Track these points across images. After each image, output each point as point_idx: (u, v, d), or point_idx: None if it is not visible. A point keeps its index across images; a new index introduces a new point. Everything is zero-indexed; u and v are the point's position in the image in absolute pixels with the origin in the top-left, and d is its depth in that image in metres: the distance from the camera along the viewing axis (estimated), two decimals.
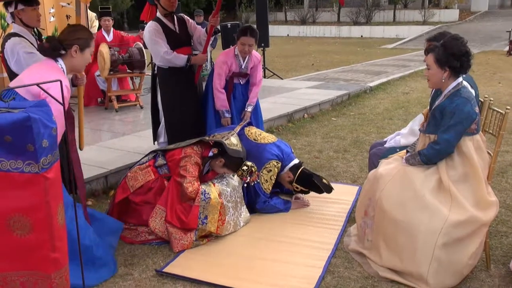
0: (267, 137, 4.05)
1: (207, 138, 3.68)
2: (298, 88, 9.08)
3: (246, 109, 4.59)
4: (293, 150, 4.16)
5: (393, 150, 3.53)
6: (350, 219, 3.80)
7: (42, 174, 2.12)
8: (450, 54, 2.86)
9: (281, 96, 8.34)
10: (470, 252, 2.76)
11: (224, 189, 3.50)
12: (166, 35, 4.42)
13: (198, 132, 4.35)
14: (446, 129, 2.84)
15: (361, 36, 28.79)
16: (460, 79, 2.93)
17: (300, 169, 3.93)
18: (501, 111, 2.96)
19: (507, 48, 19.09)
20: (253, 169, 3.62)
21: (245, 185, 3.69)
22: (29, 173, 2.11)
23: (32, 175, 2.12)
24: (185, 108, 4.60)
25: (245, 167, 3.59)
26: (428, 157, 2.92)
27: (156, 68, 4.62)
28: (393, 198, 2.94)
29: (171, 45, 4.42)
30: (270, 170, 3.83)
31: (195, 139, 3.60)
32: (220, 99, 4.44)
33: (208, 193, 3.35)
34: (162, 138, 4.82)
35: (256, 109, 4.74)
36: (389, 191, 2.97)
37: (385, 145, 3.68)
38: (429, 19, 29.71)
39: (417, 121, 3.74)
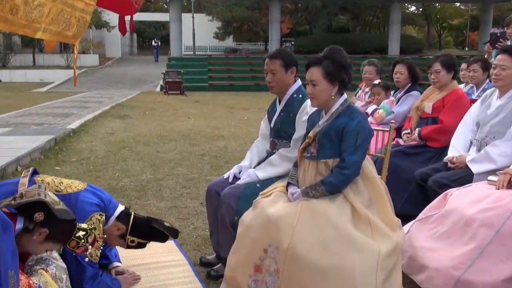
0: (71, 184, 2.77)
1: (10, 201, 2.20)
2: None
3: None
4: None
5: (253, 185, 2.97)
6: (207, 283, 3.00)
7: None
8: (341, 66, 2.57)
9: None
10: (400, 280, 2.50)
11: (59, 275, 2.19)
12: None
13: None
14: (354, 150, 2.52)
15: (0, 80, 25.80)
16: (345, 95, 2.68)
17: (132, 215, 2.85)
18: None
19: (157, 89, 20.69)
20: (94, 231, 2.40)
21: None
22: None
23: None
24: None
25: (81, 233, 2.33)
26: (336, 185, 2.52)
27: None
28: (310, 242, 2.39)
29: None
30: (94, 229, 2.60)
31: None
32: None
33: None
34: None
35: None
36: (302, 235, 2.40)
37: (239, 182, 3.06)
38: (72, 64, 29.18)
39: (256, 150, 3.30)
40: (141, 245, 2.91)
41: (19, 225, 2.14)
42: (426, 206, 3.74)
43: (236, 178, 3.14)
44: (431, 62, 4.04)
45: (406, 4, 37.48)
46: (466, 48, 41.75)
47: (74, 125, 8.77)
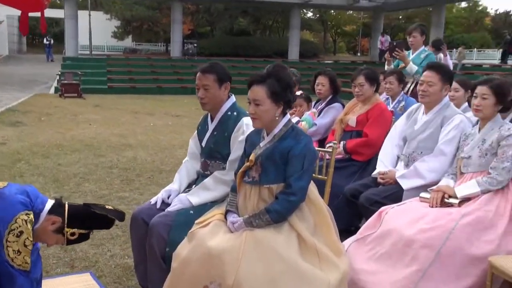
0: None
1: None
2: None
3: None
4: None
5: (185, 212, 2.70)
6: None
7: None
8: (286, 85, 2.41)
9: None
10: None
11: None
12: None
13: None
14: (301, 175, 2.36)
15: None
16: (288, 116, 2.52)
17: (67, 204, 2.39)
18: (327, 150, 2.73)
19: (52, 91, 19.30)
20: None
21: None
22: None
23: None
24: None
25: None
26: (282, 213, 2.35)
27: None
28: (258, 277, 2.19)
29: None
30: (21, 232, 2.15)
31: None
32: None
33: None
34: None
35: None
36: (249, 269, 2.20)
37: (169, 209, 2.77)
38: None
39: (185, 172, 3.04)
40: (83, 237, 2.45)
41: None
42: (353, 220, 3.76)
43: (164, 203, 2.85)
44: (355, 75, 4.05)
45: (304, 10, 38.77)
46: (359, 54, 44.20)
47: None
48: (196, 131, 3.07)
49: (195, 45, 27.55)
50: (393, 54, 5.23)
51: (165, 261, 2.62)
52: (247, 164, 2.47)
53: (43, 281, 3.12)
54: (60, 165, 6.36)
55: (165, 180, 5.70)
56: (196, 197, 2.77)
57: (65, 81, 17.11)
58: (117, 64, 23.73)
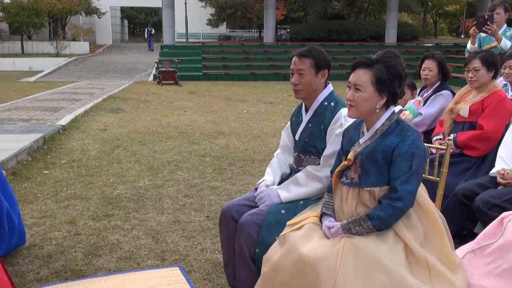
0: None
1: None
2: None
3: None
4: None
5: (277, 211, 2.49)
6: None
7: None
8: (396, 75, 2.10)
9: None
10: None
11: None
12: None
13: None
14: (409, 177, 2.05)
15: None
16: (393, 108, 2.21)
17: None
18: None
19: (151, 78, 20.09)
20: None
21: None
22: None
23: None
24: None
25: None
26: (386, 220, 2.05)
27: None
28: None
29: None
30: None
31: None
32: None
33: None
34: None
35: None
36: (347, 281, 1.94)
37: (261, 207, 2.57)
38: (62, 51, 28.47)
39: (277, 165, 2.82)
40: None
41: None
42: (465, 223, 3.34)
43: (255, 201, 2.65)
44: (469, 59, 3.57)
45: None
46: (462, 36, 41.28)
47: (64, 121, 8.21)
48: (289, 122, 2.84)
49: (288, 30, 27.27)
50: (484, 28, 4.67)
51: (255, 263, 2.44)
52: (344, 163, 2.20)
53: (133, 273, 3.10)
54: (155, 152, 6.47)
55: (257, 170, 5.56)
56: (286, 192, 2.54)
57: (163, 69, 17.71)
58: (212, 51, 24.20)
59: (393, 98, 2.13)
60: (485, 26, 4.65)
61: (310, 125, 2.60)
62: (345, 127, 2.37)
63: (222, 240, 2.76)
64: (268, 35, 27.42)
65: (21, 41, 29.35)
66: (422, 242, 2.10)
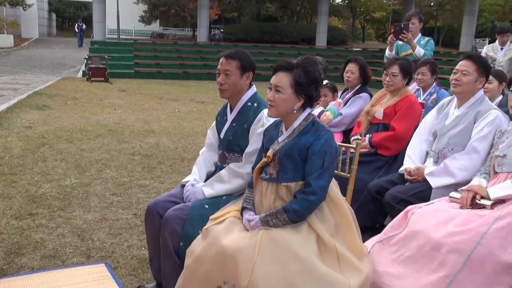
0: None
1: None
2: None
3: None
4: None
5: (200, 206, 2.60)
6: None
7: None
8: (313, 80, 2.27)
9: None
10: None
11: None
12: None
13: None
14: (321, 173, 2.23)
15: None
16: (309, 109, 2.38)
17: None
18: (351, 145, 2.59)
19: (79, 75, 19.48)
20: None
21: None
22: None
23: None
24: None
25: None
26: (301, 213, 2.22)
27: None
28: (274, 278, 2.08)
29: None
30: None
31: None
32: None
33: None
34: None
35: None
36: (264, 270, 2.09)
37: (185, 200, 2.67)
38: None
39: (202, 163, 2.93)
40: None
41: None
42: (379, 218, 3.61)
43: (180, 197, 2.75)
44: (388, 64, 3.86)
45: None
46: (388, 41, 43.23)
47: None
48: (215, 121, 2.96)
49: (222, 30, 27.40)
50: (400, 36, 5.07)
51: (179, 256, 2.54)
52: (264, 160, 2.35)
53: (57, 271, 3.09)
54: (83, 150, 6.36)
55: (187, 169, 5.63)
56: (210, 189, 2.67)
57: (92, 65, 17.22)
58: (144, 49, 23.81)
59: (309, 100, 2.30)
60: (401, 35, 5.01)
61: (234, 124, 2.74)
62: (266, 128, 2.52)
63: (147, 235, 2.83)
64: (202, 35, 27.38)
65: None
66: (333, 233, 2.29)
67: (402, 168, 3.40)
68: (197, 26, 28.47)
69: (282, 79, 2.26)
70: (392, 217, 3.02)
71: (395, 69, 3.78)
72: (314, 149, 2.23)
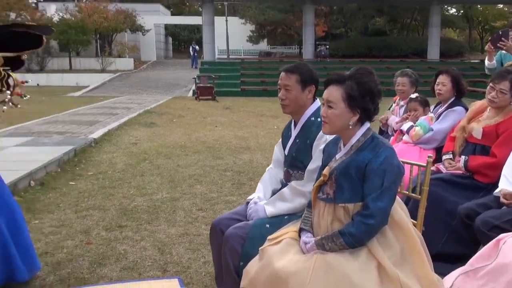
0: None
1: None
2: (5, 147, 6.92)
3: None
4: None
5: (261, 225, 2.52)
6: None
7: None
8: (367, 91, 2.10)
9: None
10: None
11: None
12: None
13: None
14: (380, 194, 2.03)
15: (38, 84, 26.15)
16: (368, 124, 2.20)
17: None
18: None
19: (190, 94, 20.49)
20: None
21: None
22: None
23: None
24: None
25: None
26: (358, 237, 2.04)
27: None
28: None
29: None
30: None
31: None
32: None
33: None
34: None
35: None
36: None
37: (248, 218, 2.61)
38: (107, 67, 29.56)
39: (268, 180, 2.85)
40: (16, 64, 2.29)
41: None
42: (472, 246, 3.22)
43: (245, 215, 2.69)
44: (498, 77, 3.32)
45: (446, 6, 36.20)
46: None
47: (97, 134, 8.52)
48: (281, 138, 2.87)
49: (327, 46, 27.29)
50: (499, 44, 4.50)
51: (238, 275, 2.46)
52: (321, 178, 2.20)
53: (132, 283, 3.19)
54: (179, 166, 6.60)
55: None
56: (272, 207, 2.57)
57: (201, 85, 18.05)
58: (250, 68, 24.47)
59: (366, 114, 2.13)
60: (499, 42, 4.52)
61: (297, 140, 2.63)
62: (326, 144, 2.38)
63: (213, 253, 2.81)
64: (307, 52, 27.49)
65: (69, 57, 30.70)
66: (397, 261, 2.07)
67: (497, 190, 3.01)
68: (303, 43, 28.65)
69: (333, 93, 2.11)
70: (484, 245, 2.68)
71: (505, 85, 3.26)
72: (373, 167, 2.05)
